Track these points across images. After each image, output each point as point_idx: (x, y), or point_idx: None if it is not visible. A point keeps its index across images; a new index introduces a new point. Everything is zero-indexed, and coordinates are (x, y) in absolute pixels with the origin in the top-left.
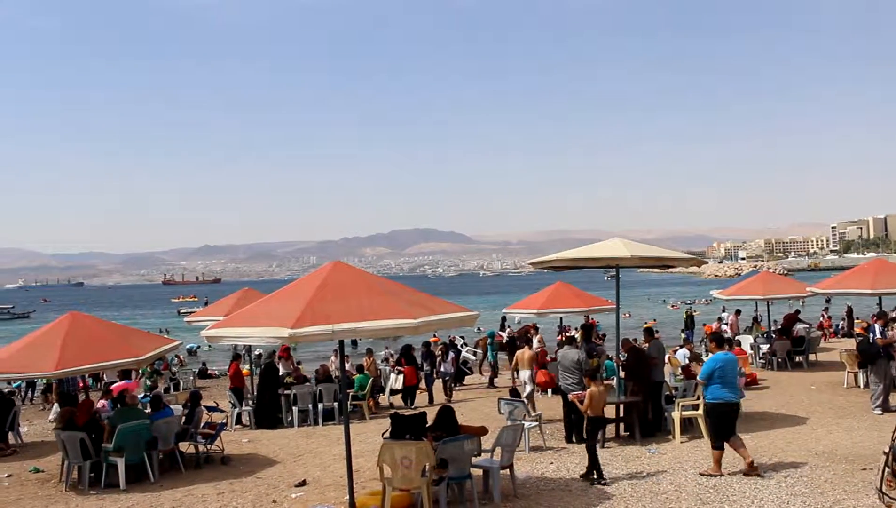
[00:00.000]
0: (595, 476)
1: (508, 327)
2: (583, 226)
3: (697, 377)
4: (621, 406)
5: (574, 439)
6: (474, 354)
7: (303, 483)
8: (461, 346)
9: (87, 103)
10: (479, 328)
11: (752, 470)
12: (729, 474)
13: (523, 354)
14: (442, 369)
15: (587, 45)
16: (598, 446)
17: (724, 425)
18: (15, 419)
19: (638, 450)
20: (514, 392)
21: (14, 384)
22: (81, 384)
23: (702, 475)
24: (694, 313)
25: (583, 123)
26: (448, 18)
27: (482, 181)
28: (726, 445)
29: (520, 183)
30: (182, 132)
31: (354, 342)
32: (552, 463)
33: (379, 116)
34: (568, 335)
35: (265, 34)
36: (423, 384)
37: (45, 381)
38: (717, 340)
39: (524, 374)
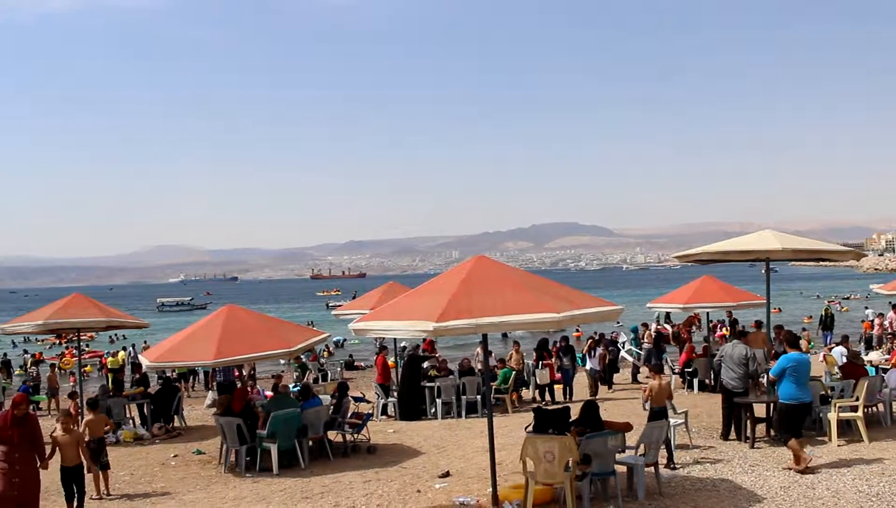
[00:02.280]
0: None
1: (673, 323)
2: (730, 218)
3: (770, 373)
4: (772, 405)
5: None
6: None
7: (446, 475)
8: (621, 345)
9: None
10: (618, 323)
11: (799, 469)
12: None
13: (756, 336)
14: (588, 365)
15: (710, 43)
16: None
17: (793, 423)
18: (179, 403)
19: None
20: None
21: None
22: (237, 374)
23: (786, 469)
24: (840, 310)
25: (730, 115)
26: (586, 17)
27: (625, 174)
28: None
29: (664, 175)
30: (329, 132)
31: (505, 335)
32: (698, 462)
33: (520, 110)
34: (740, 329)
35: (399, 34)
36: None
37: (174, 371)
38: (790, 340)
39: (758, 353)
